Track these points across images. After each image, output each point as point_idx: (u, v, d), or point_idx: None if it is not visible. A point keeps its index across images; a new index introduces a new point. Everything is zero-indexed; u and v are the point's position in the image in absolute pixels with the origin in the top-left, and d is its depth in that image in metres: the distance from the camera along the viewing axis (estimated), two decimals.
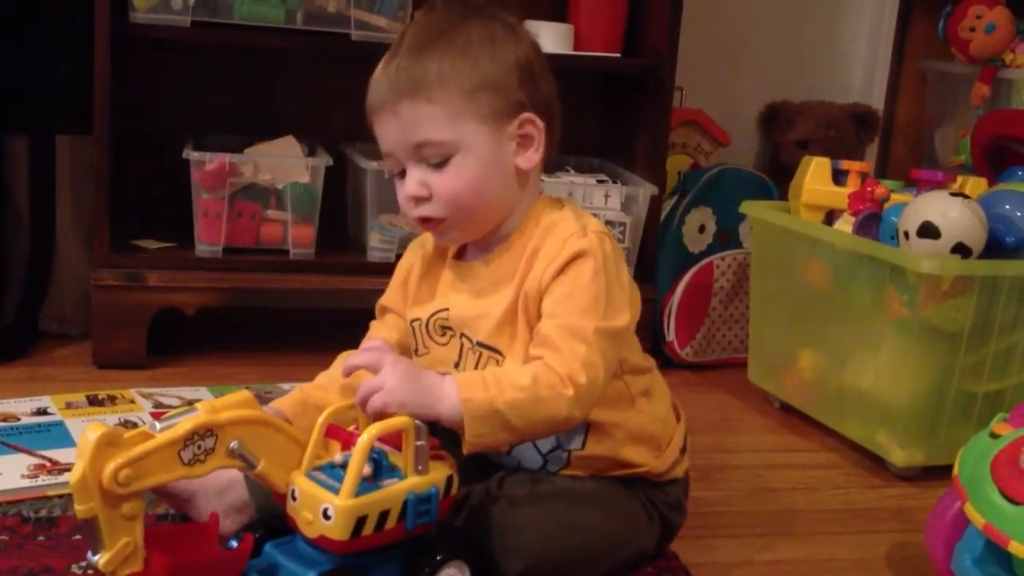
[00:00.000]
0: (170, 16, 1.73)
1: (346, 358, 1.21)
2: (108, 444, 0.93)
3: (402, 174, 1.15)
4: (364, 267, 1.84)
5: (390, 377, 1.05)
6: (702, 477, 1.49)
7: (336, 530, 0.98)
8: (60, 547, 1.17)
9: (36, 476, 1.33)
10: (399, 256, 1.81)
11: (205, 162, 1.76)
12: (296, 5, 1.78)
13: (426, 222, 1.15)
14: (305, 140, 1.89)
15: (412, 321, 1.22)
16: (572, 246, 1.11)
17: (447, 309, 1.18)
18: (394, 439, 1.05)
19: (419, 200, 1.13)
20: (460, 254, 1.21)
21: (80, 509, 0.93)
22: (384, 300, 1.28)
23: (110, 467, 0.92)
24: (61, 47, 1.83)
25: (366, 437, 1.00)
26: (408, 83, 1.10)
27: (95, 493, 0.92)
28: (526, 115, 1.13)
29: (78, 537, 1.19)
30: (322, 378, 1.24)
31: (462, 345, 1.17)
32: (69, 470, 1.31)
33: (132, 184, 1.88)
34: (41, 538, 1.19)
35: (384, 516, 1.00)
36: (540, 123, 1.14)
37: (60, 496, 1.28)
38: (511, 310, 1.14)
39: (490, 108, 1.11)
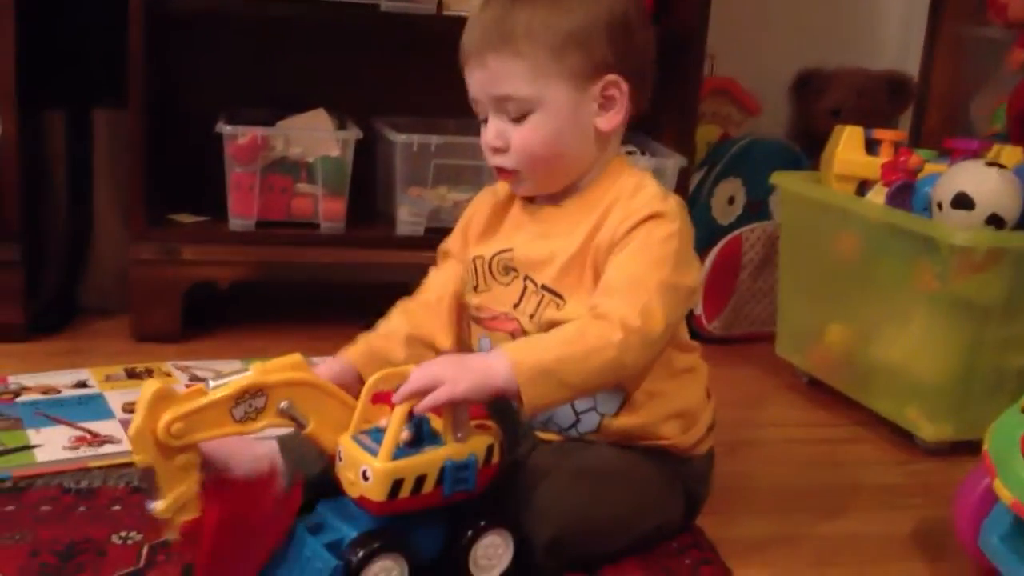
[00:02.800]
0: None
1: (406, 306, 1.25)
2: (162, 399, 0.97)
3: (487, 120, 1.17)
4: (393, 240, 1.85)
5: (444, 370, 1.04)
6: (729, 452, 1.48)
7: (373, 491, 1.01)
8: (101, 517, 1.20)
9: (77, 448, 1.36)
10: (428, 229, 1.85)
11: (237, 136, 1.77)
12: None
13: (501, 172, 1.18)
14: (336, 113, 1.90)
15: (474, 258, 1.23)
16: (652, 206, 1.13)
17: (511, 249, 1.20)
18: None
19: (496, 150, 1.16)
20: (531, 198, 1.23)
21: (137, 459, 0.98)
22: (446, 244, 1.30)
23: (164, 420, 0.96)
24: (96, 21, 1.85)
25: (402, 404, 1.03)
26: (497, 34, 1.12)
27: (150, 445, 0.97)
28: (611, 77, 1.14)
29: (118, 508, 1.22)
30: (383, 327, 1.24)
31: (525, 287, 1.18)
32: (109, 442, 1.37)
33: (166, 157, 1.90)
34: (82, 509, 1.22)
35: (421, 481, 1.03)
36: (624, 85, 1.14)
37: (101, 468, 1.31)
38: (579, 256, 1.15)
39: (575, 67, 1.12)
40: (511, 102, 1.13)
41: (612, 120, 1.16)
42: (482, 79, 1.14)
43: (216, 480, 1.07)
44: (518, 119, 1.14)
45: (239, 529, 1.01)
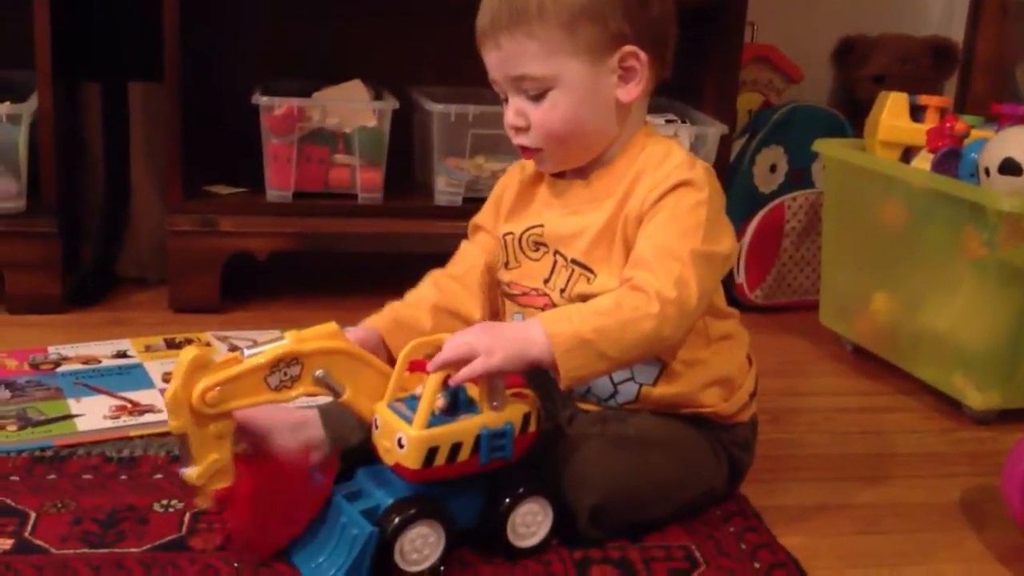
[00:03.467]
0: None
1: (437, 277, 1.25)
2: (199, 366, 0.98)
3: (507, 100, 1.16)
4: (431, 211, 1.84)
5: (480, 340, 1.04)
6: (772, 420, 1.48)
7: (409, 459, 1.01)
8: (142, 486, 1.20)
9: (118, 417, 1.37)
10: (466, 199, 1.84)
11: (274, 107, 1.77)
12: None
13: (524, 150, 1.17)
14: (372, 83, 1.89)
15: (504, 235, 1.23)
16: (679, 174, 1.12)
17: (542, 225, 1.19)
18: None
19: (517, 129, 1.15)
20: (560, 173, 1.22)
21: (173, 425, 0.99)
22: (477, 219, 1.29)
23: (199, 388, 0.97)
24: None
25: (436, 373, 1.03)
26: (508, 15, 1.10)
27: (185, 411, 0.97)
28: (628, 48, 1.12)
29: (159, 476, 1.23)
30: (412, 296, 1.24)
31: (555, 262, 1.18)
32: (150, 411, 1.38)
33: (203, 129, 1.90)
34: (124, 477, 1.22)
35: (456, 448, 1.02)
36: (643, 56, 1.13)
37: (142, 437, 1.32)
38: (608, 228, 1.14)
39: (590, 41, 1.11)
40: (528, 81, 1.12)
41: (632, 92, 1.14)
42: (498, 60, 1.13)
43: (251, 453, 1.08)
44: (536, 97, 1.13)
45: (273, 501, 1.01)
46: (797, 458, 1.40)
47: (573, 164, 1.19)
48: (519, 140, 1.16)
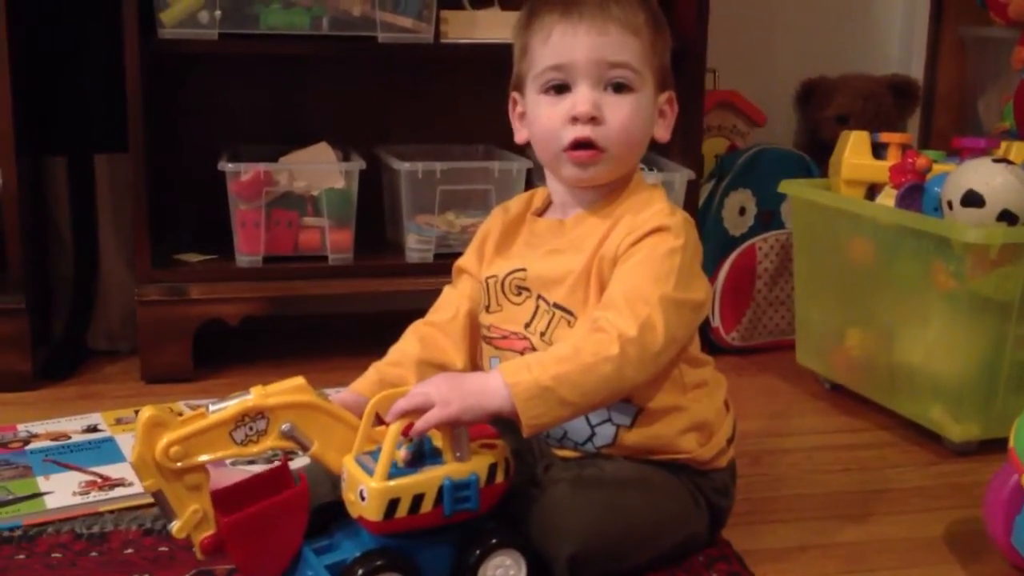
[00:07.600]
0: (198, 30, 1.74)
1: (419, 329, 1.24)
2: (156, 424, 0.99)
3: (556, 90, 1.15)
4: (403, 269, 1.84)
5: (438, 390, 1.03)
6: (753, 462, 1.47)
7: (369, 511, 1.01)
8: (112, 562, 1.18)
9: (88, 492, 1.35)
10: (437, 256, 1.84)
11: (240, 173, 1.77)
12: (321, 11, 1.78)
13: (580, 149, 1.14)
14: (338, 145, 1.90)
15: (487, 278, 1.23)
16: (657, 220, 1.13)
17: (524, 269, 1.19)
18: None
19: (591, 120, 1.13)
20: (542, 212, 1.24)
21: (145, 485, 1.00)
22: (461, 262, 1.29)
23: (162, 443, 0.98)
24: (94, 67, 1.85)
25: (395, 424, 1.02)
26: (620, 11, 1.14)
27: (153, 469, 0.98)
28: (672, 93, 1.20)
29: (130, 551, 1.20)
30: (395, 353, 1.24)
31: (537, 306, 1.18)
32: (120, 485, 1.36)
33: (171, 198, 1.90)
34: (94, 554, 1.20)
35: (418, 500, 1.02)
36: (676, 106, 1.20)
37: (112, 511, 1.29)
38: (586, 271, 1.15)
39: (658, 72, 1.18)
40: (624, 71, 1.14)
41: (666, 132, 1.20)
42: (596, 42, 1.13)
43: (227, 488, 1.06)
44: (619, 89, 1.14)
45: (256, 525, 1.01)
46: (779, 499, 1.39)
47: (610, 176, 1.17)
48: (584, 132, 1.13)
